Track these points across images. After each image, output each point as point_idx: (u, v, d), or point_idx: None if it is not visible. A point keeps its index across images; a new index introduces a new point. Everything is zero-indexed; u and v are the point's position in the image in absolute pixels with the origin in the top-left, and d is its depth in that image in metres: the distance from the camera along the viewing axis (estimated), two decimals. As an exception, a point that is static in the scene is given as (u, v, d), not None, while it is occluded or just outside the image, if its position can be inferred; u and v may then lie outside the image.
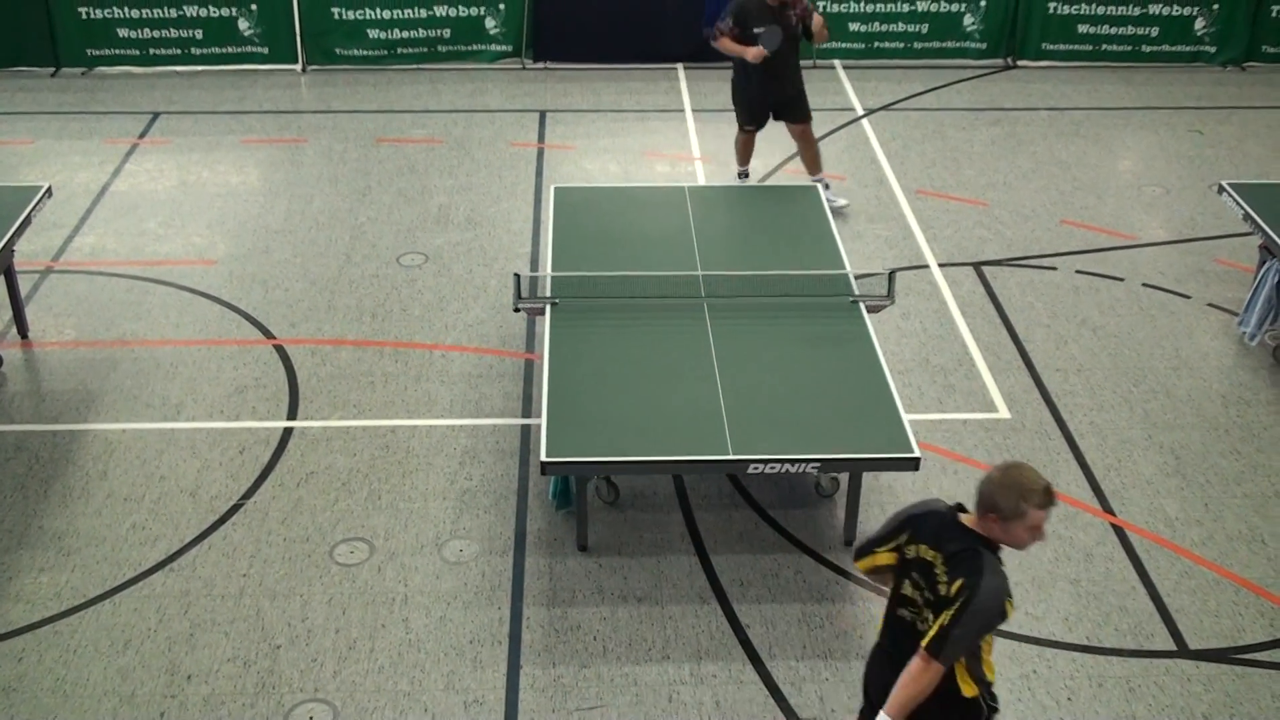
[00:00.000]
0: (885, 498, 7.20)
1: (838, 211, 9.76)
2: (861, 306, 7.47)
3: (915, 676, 4.29)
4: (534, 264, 9.53)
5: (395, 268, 9.62)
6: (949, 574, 4.31)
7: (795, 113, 9.97)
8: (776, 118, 10.03)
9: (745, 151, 10.28)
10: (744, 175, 10.40)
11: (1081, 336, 8.86)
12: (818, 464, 6.24)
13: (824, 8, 13.26)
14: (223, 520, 7.02)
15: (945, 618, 4.25)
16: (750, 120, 10.06)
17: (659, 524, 6.98)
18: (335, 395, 8.11)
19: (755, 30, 9.46)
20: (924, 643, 4.30)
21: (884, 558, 4.60)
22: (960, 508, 4.51)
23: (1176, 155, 11.59)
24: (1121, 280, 9.54)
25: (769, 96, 9.89)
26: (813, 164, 10.17)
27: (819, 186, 9.35)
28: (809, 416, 6.54)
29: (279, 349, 8.61)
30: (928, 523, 4.48)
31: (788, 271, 7.64)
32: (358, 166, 11.22)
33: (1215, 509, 7.21)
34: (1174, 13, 13.23)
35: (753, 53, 9.42)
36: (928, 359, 8.54)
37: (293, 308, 9.08)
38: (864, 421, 6.50)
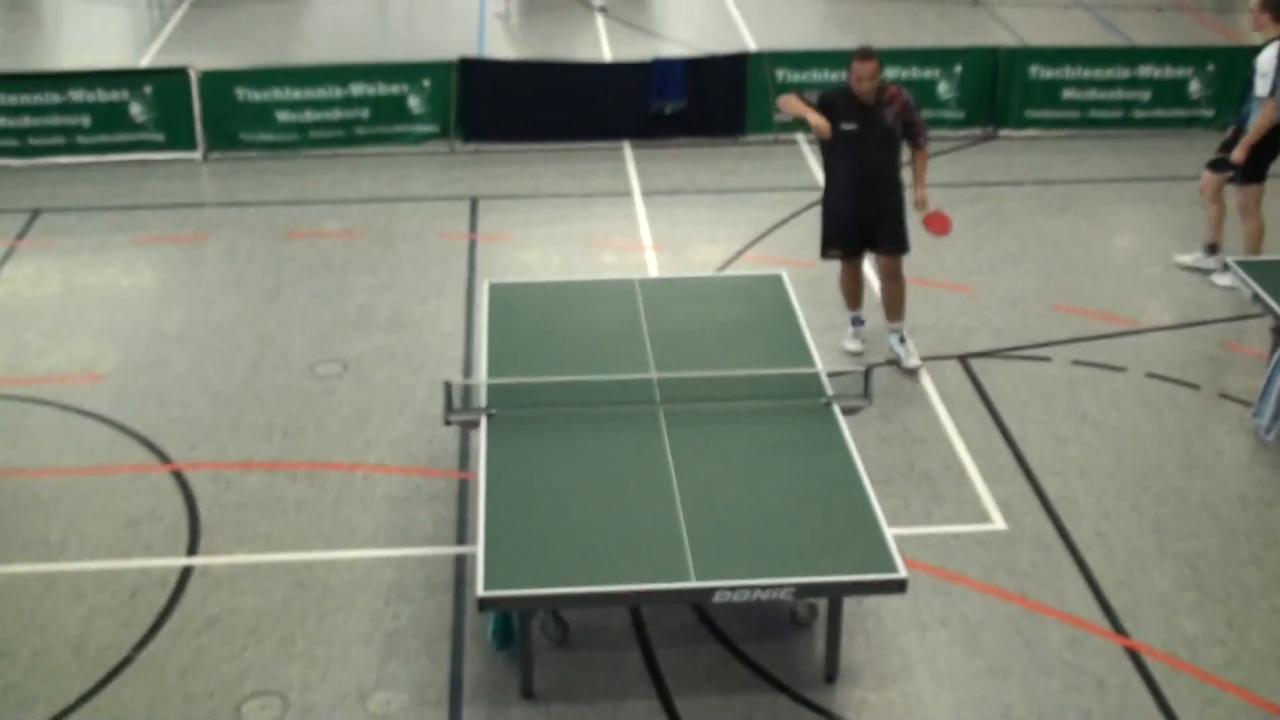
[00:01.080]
0: (870, 624, 7.16)
1: (910, 372, 9.46)
2: (836, 409, 7.50)
3: None
4: (467, 370, 9.55)
5: (309, 378, 9.62)
6: None
7: (888, 239, 9.34)
8: (866, 244, 9.43)
9: (849, 289, 9.59)
10: (857, 323, 9.76)
11: (1082, 435, 8.91)
12: (792, 589, 6.21)
13: (783, 76, 13.62)
14: (112, 676, 6.85)
15: None
16: (833, 242, 9.42)
17: (614, 664, 6.89)
18: (242, 526, 8.03)
19: (842, 127, 9.03)
20: None
21: None
22: None
23: (1177, 230, 11.79)
24: (1123, 370, 9.64)
25: (856, 211, 9.25)
26: (894, 307, 9.54)
27: (893, 338, 9.49)
28: (781, 535, 6.51)
29: (176, 475, 8.53)
30: None
31: (752, 371, 7.67)
32: (266, 265, 11.27)
33: (1239, 626, 7.21)
34: (1166, 75, 13.64)
35: (815, 119, 8.95)
36: (912, 465, 8.56)
37: (192, 427, 9.03)
38: (843, 539, 6.47)
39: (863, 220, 9.28)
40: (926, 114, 13.24)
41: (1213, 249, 10.84)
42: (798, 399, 7.52)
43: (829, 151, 9.24)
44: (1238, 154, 10.27)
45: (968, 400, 9.29)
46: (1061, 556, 7.75)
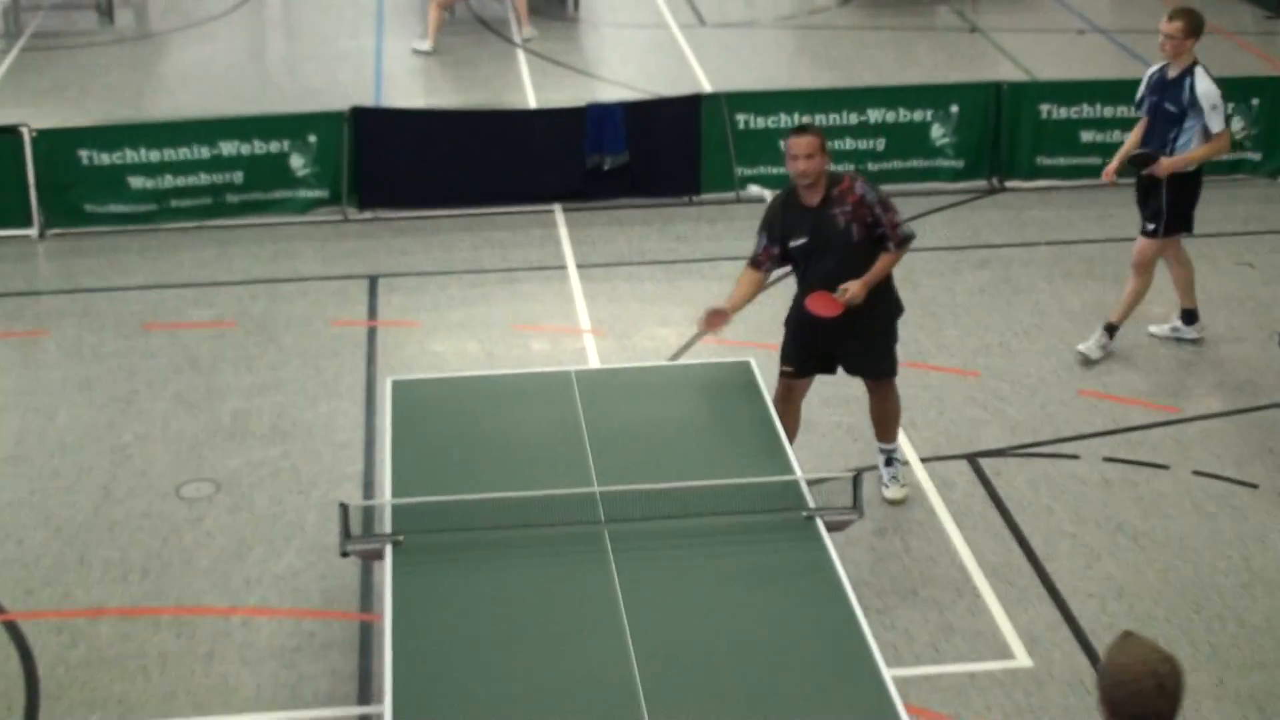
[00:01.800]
0: (869, 789, 7.12)
1: (891, 503, 9.44)
2: (819, 523, 7.47)
3: None
4: (368, 489, 9.57)
5: (174, 503, 9.57)
6: None
7: (860, 363, 9.27)
8: (840, 366, 9.31)
9: (783, 408, 9.01)
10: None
11: (1119, 548, 8.94)
12: (772, 750, 6.23)
13: (745, 123, 13.84)
14: None
15: None
16: (784, 354, 9.29)
17: (557, 847, 6.88)
18: (91, 689, 7.86)
19: (791, 245, 8.87)
20: None
21: None
22: None
23: (1222, 297, 11.91)
24: (1166, 468, 9.71)
25: (811, 335, 9.08)
26: (881, 426, 9.50)
27: (880, 458, 9.44)
28: (756, 681, 6.41)
29: (9, 627, 8.40)
30: None
31: (717, 482, 7.65)
32: (119, 364, 11.28)
33: (1315, 782, 7.31)
34: (1203, 112, 13.97)
35: (706, 322, 8.95)
36: (915, 590, 8.58)
37: (29, 568, 8.93)
38: (832, 684, 6.39)
39: (819, 342, 9.12)
40: (917, 164, 13.85)
41: (1189, 317, 11.32)
42: (773, 513, 7.52)
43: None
44: (1164, 165, 10.60)
45: (980, 509, 9.33)
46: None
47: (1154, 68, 11.09)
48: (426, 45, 18.30)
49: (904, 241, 8.82)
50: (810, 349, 9.18)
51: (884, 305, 9.09)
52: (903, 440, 10.03)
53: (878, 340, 9.21)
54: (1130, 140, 11.18)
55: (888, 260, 8.83)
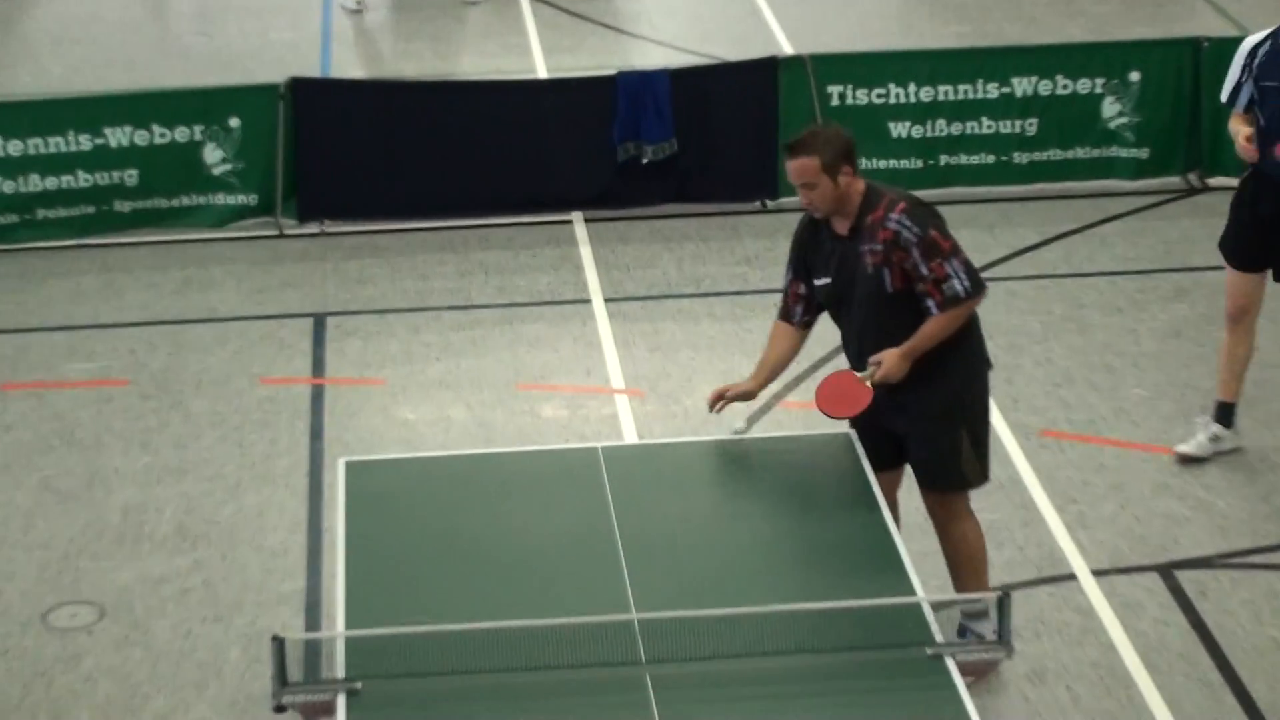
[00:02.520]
0: None
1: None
2: (950, 664, 7.36)
3: None
4: (311, 614, 9.58)
5: (41, 634, 9.55)
6: None
7: (918, 464, 9.01)
8: (898, 455, 9.06)
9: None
10: None
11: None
12: None
13: (840, 96, 13.89)
14: None
15: None
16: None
17: None
18: None
19: (818, 283, 8.80)
20: None
21: None
22: None
23: None
24: None
25: (877, 405, 8.77)
26: (955, 573, 9.20)
27: (957, 633, 9.01)
28: None
29: None
30: None
31: (804, 604, 7.59)
32: (-36, 440, 11.28)
33: None
34: None
35: (733, 393, 8.95)
36: (1094, 762, 8.63)
37: None
38: None
39: (879, 419, 8.85)
40: (1083, 154, 14.06)
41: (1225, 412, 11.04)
42: (885, 649, 7.43)
43: None
44: None
45: (1179, 643, 9.24)
46: None
47: (1258, 37, 10.73)
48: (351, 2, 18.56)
49: (950, 303, 8.49)
50: (875, 430, 8.91)
51: (947, 381, 8.81)
52: (1069, 547, 9.99)
53: (934, 431, 8.88)
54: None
55: (936, 327, 8.53)
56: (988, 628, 8.81)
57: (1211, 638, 9.32)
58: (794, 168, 8.48)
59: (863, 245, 8.50)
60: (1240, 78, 10.55)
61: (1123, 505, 10.45)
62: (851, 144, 8.55)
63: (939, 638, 7.56)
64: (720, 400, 8.94)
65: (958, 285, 8.42)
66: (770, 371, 8.97)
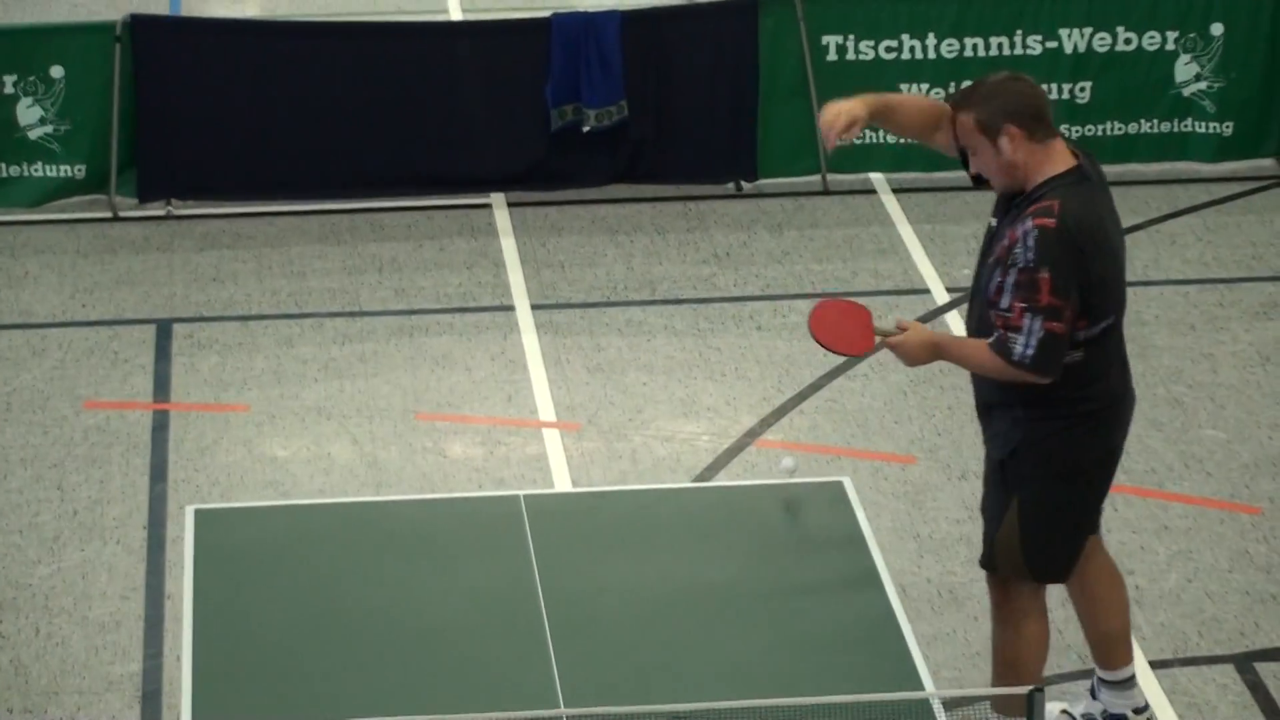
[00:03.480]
0: None
1: None
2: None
3: None
4: (149, 705, 8.88)
5: None
6: None
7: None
8: None
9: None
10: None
11: None
12: None
13: (837, 49, 13.29)
14: None
15: None
16: None
17: None
18: None
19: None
20: None
21: None
22: None
23: None
24: None
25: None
26: (993, 670, 8.97)
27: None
28: None
29: None
30: None
31: (788, 701, 6.89)
32: None
33: None
34: None
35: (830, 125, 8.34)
36: None
37: None
38: None
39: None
40: (1151, 128, 13.52)
41: None
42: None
43: None
44: None
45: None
46: None
47: None
48: None
49: (1000, 352, 8.07)
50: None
51: (1010, 430, 8.34)
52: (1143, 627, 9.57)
53: (986, 486, 8.61)
54: None
55: (976, 353, 8.33)
56: None
57: None
58: (960, 118, 8.16)
59: (1005, 230, 8.20)
60: None
61: (1190, 578, 9.76)
62: (1032, 101, 7.91)
63: None
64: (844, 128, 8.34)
65: (1018, 346, 8.06)
66: (893, 109, 8.65)
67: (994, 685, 8.47)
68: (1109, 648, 8.56)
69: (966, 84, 8.17)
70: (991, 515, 8.35)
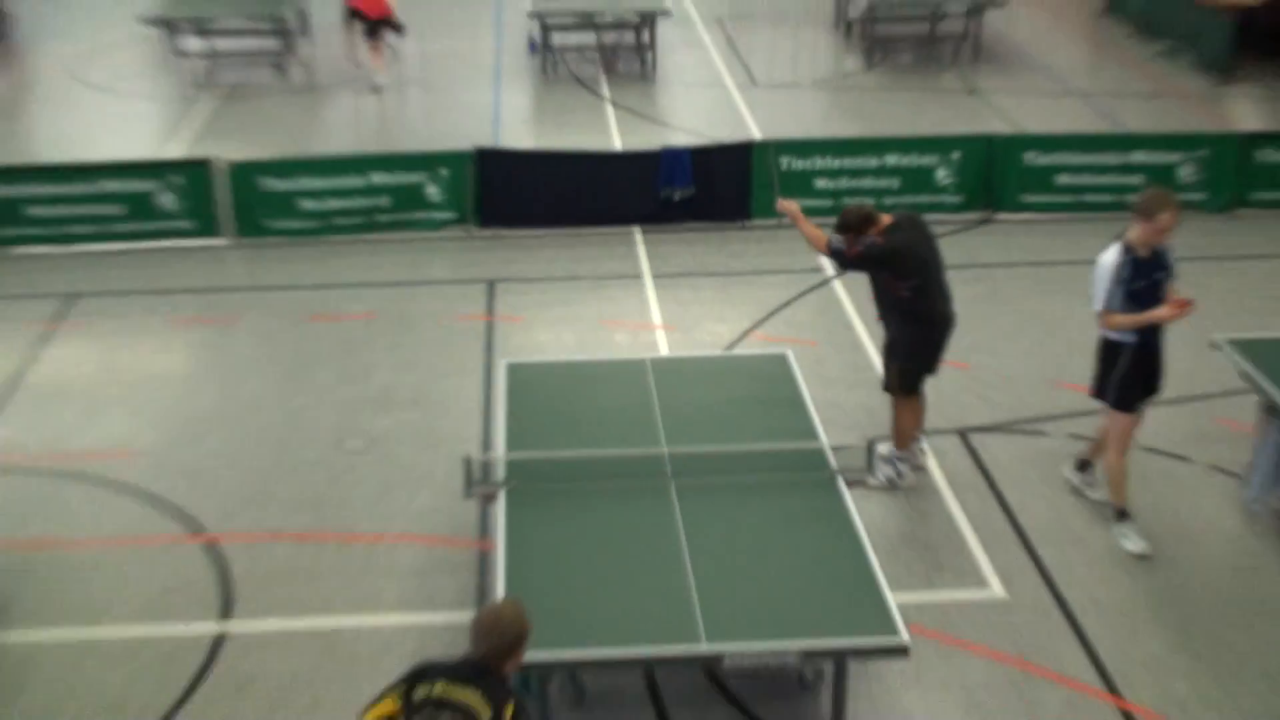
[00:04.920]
0: (874, 686, 7.27)
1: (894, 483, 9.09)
2: (840, 481, 7.57)
3: None
4: (485, 446, 9.56)
5: (336, 453, 9.70)
6: (488, 703, 4.98)
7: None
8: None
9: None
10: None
11: (1078, 506, 8.99)
12: (799, 652, 6.33)
13: (788, 164, 13.75)
14: (149, 738, 6.95)
15: None
16: None
17: (630, 725, 6.95)
18: (272, 594, 8.12)
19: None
20: None
21: (388, 705, 5.10)
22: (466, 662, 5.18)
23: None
24: (1118, 445, 9.74)
25: None
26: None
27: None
28: (789, 601, 6.59)
29: (210, 545, 8.63)
30: (439, 667, 5.16)
31: (759, 446, 7.74)
32: (292, 346, 11.34)
33: (1229, 688, 7.31)
34: (1158, 160, 13.72)
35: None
36: (914, 535, 8.64)
37: (225, 500, 9.12)
38: (848, 605, 6.55)
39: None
40: (925, 199, 13.66)
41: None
42: (804, 472, 7.59)
43: None
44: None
45: (967, 473, 9.32)
46: (1059, 623, 7.83)
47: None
48: (380, 79, 18.18)
49: (829, 248, 8.62)
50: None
51: (893, 335, 8.86)
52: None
53: (885, 362, 9.07)
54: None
55: (812, 230, 8.78)
56: (888, 458, 9.01)
57: (985, 469, 9.40)
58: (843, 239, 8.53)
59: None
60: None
61: (938, 395, 9.99)
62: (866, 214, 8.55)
63: (834, 465, 7.71)
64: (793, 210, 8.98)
65: (837, 244, 8.63)
66: (805, 222, 8.95)
67: (894, 441, 9.00)
68: (903, 439, 9.06)
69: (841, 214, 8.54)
70: (887, 369, 8.96)
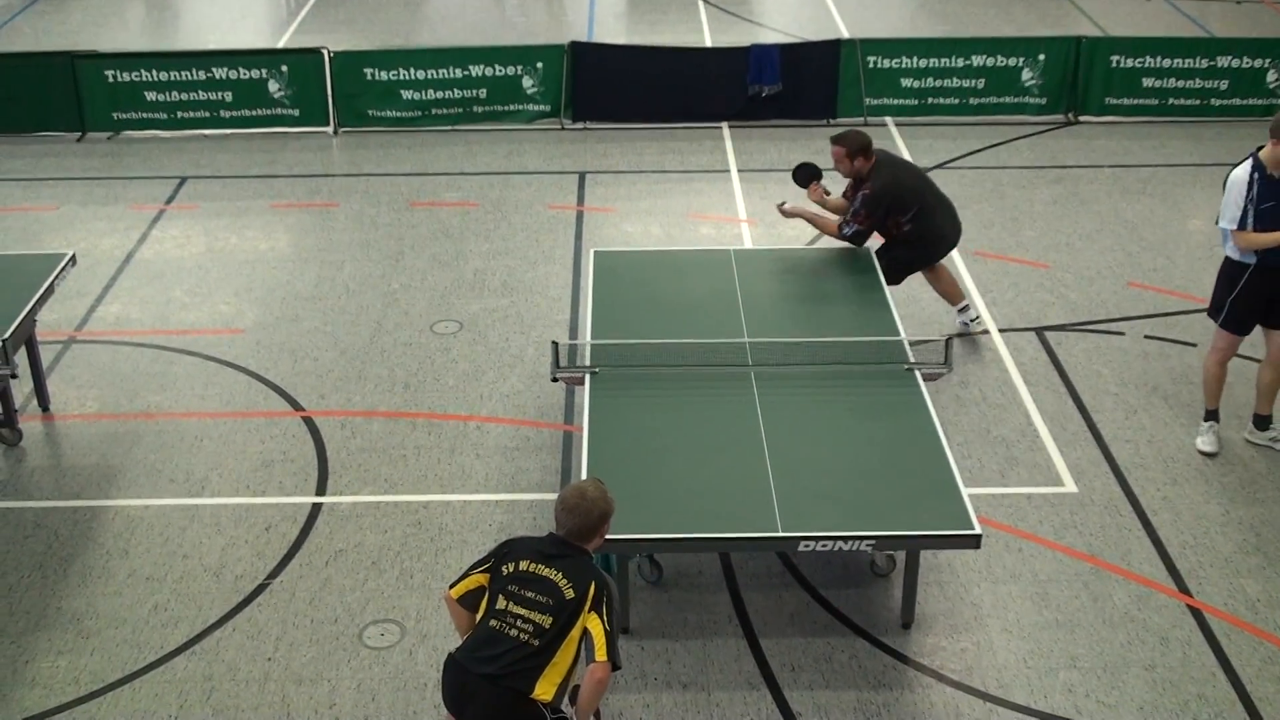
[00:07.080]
0: (945, 576, 7.15)
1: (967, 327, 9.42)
2: (917, 374, 7.41)
3: (601, 682, 5.05)
4: (573, 331, 9.54)
5: (429, 336, 9.67)
6: (571, 581, 5.10)
7: None
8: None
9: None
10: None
11: (1152, 405, 8.78)
12: (872, 541, 6.20)
13: (874, 63, 13.45)
14: (247, 601, 7.05)
15: (599, 625, 5.05)
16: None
17: (705, 604, 6.91)
18: (365, 469, 8.17)
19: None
20: (601, 655, 5.02)
21: (477, 579, 5.26)
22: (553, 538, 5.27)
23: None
24: (1194, 346, 9.42)
25: None
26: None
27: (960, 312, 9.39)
28: (863, 491, 6.48)
29: (307, 421, 8.67)
30: (525, 544, 5.27)
31: (839, 338, 7.62)
32: (390, 231, 11.32)
33: (1300, 589, 7.18)
34: (1244, 65, 13.25)
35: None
36: (988, 430, 8.49)
37: (322, 378, 9.15)
38: (921, 496, 6.43)
39: None
40: (1009, 100, 13.35)
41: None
42: (882, 364, 7.46)
43: None
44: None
45: (1043, 370, 9.14)
46: (1130, 519, 7.66)
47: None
48: None
49: (842, 233, 8.68)
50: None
51: (889, 245, 9.00)
52: (984, 313, 9.86)
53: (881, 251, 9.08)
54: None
55: (825, 223, 8.85)
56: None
57: (1061, 366, 9.18)
58: (832, 152, 8.75)
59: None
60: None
61: (1017, 294, 10.08)
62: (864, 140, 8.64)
63: (912, 359, 7.63)
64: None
65: (849, 230, 8.67)
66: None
67: (949, 302, 9.31)
68: (952, 294, 9.32)
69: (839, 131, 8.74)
70: (879, 257, 8.73)
